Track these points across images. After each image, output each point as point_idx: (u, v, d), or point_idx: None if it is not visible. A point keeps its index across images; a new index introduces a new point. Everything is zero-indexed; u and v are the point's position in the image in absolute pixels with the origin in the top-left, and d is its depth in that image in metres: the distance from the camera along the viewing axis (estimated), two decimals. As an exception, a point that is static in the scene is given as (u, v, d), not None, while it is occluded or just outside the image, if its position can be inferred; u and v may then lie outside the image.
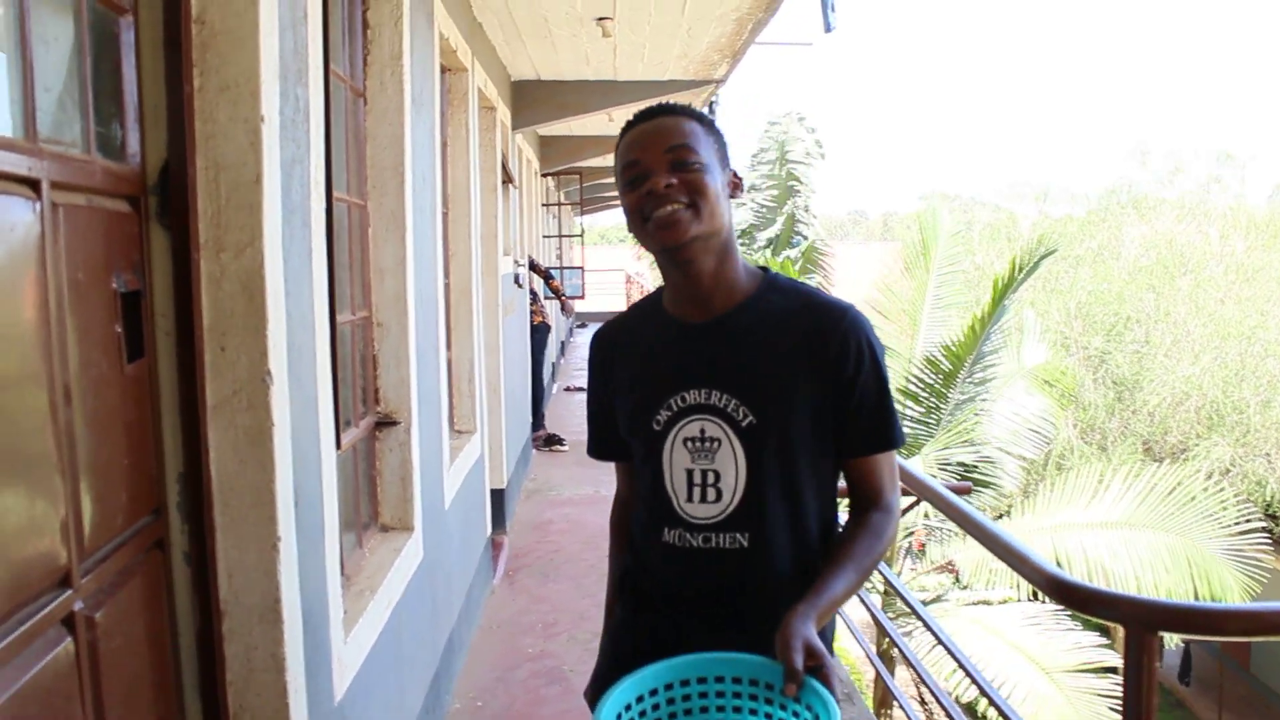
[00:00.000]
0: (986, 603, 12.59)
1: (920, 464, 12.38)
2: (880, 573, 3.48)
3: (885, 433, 1.81)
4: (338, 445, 3.25)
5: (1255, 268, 19.53)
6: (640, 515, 1.93)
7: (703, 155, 1.72)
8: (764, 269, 1.88)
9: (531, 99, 8.84)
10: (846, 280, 21.41)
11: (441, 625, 4.44)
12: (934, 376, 13.24)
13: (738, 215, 27.88)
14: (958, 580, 14.09)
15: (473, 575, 5.46)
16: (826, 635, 1.77)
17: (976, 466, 13.20)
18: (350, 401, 3.66)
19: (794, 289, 1.83)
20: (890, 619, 5.87)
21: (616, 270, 30.04)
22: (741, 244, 25.94)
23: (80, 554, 1.78)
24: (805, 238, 24.92)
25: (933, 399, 13.32)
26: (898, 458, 1.94)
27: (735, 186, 1.81)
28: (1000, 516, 14.57)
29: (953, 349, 12.90)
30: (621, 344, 1.97)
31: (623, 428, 1.93)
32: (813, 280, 19.67)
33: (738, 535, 1.78)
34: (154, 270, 2.24)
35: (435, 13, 4.57)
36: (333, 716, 2.71)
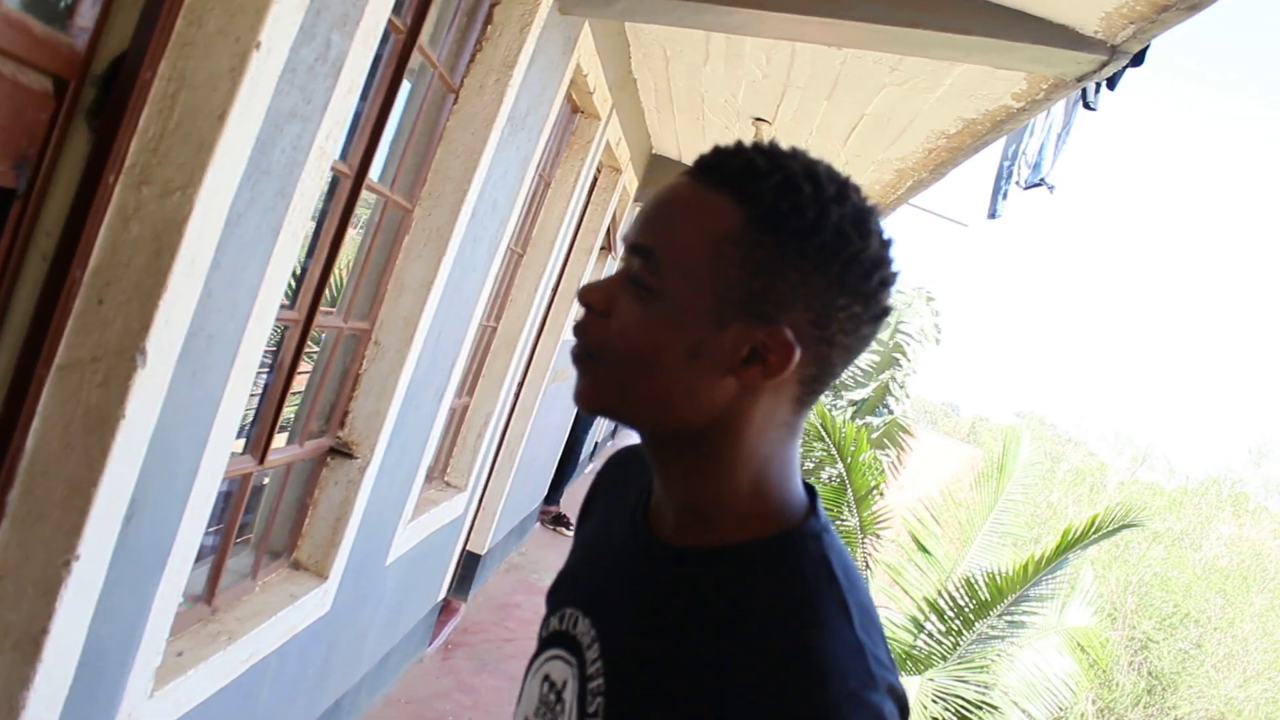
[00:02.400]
0: None
1: (918, 684, 11.55)
2: None
3: None
4: (260, 460, 2.74)
5: (1340, 614, 18.31)
6: None
7: (663, 272, 0.92)
8: (813, 505, 0.99)
9: (665, 177, 8.40)
10: (919, 469, 20.58)
11: (329, 690, 3.84)
12: (968, 600, 12.42)
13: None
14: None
15: (398, 640, 4.86)
16: None
17: (978, 707, 12.28)
18: (305, 416, 3.13)
19: (801, 581, 0.93)
20: None
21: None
22: (827, 399, 25.16)
23: None
24: (891, 411, 24.14)
25: (958, 622, 12.49)
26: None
27: (757, 359, 0.92)
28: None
29: (998, 580, 12.09)
30: (616, 485, 1.20)
31: None
32: (886, 459, 18.82)
33: None
34: (56, 176, 1.74)
35: (579, 42, 4.12)
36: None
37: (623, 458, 1.24)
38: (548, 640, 1.09)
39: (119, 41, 1.75)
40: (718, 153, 0.94)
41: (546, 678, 1.05)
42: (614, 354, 0.94)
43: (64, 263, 1.75)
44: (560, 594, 1.13)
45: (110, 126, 1.74)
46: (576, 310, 0.84)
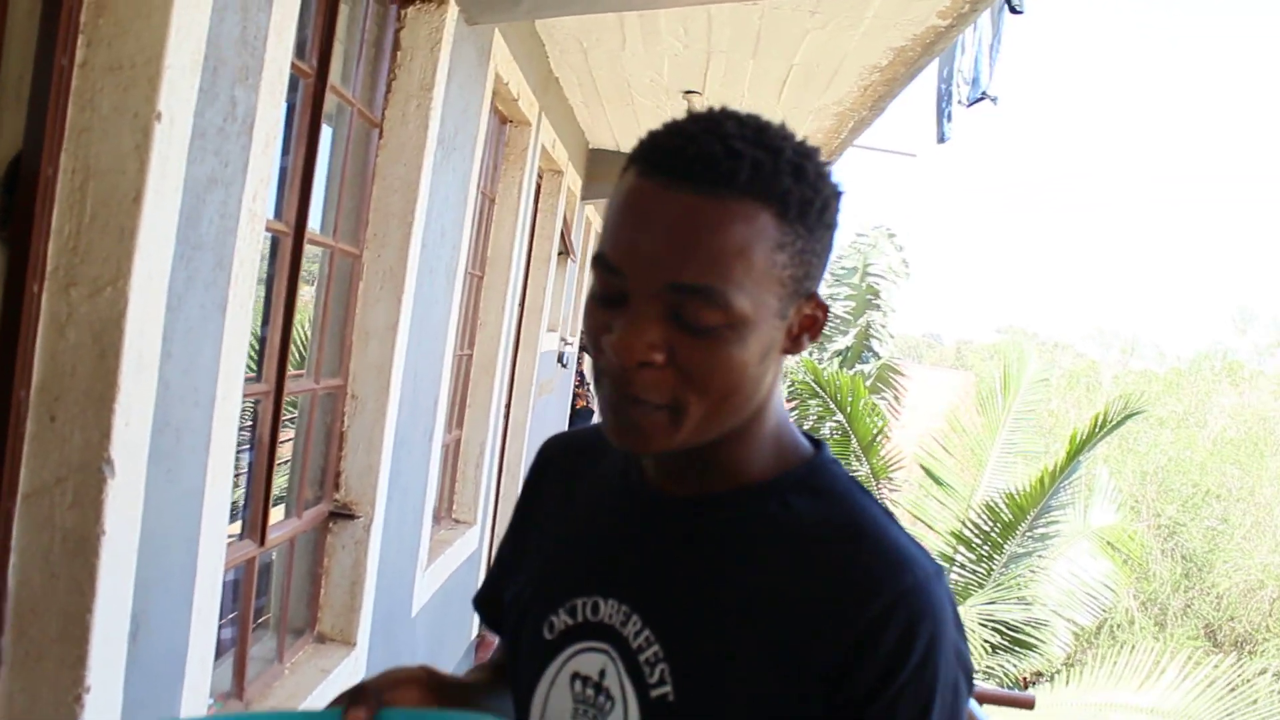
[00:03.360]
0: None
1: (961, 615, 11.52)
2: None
3: None
4: (261, 542, 2.64)
5: (1353, 458, 18.40)
6: None
7: (739, 305, 0.88)
8: (817, 443, 1.05)
9: (608, 170, 8.29)
10: (915, 404, 20.53)
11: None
12: (992, 524, 12.38)
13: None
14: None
15: (441, 689, 4.75)
16: None
17: (1024, 627, 12.26)
18: (296, 486, 3.03)
19: (841, 496, 0.99)
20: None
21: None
22: (813, 352, 25.03)
23: None
24: (877, 355, 24.08)
25: (987, 547, 12.45)
26: None
27: (806, 328, 0.97)
28: (1039, 676, 13.65)
29: (1017, 499, 12.05)
30: (569, 475, 1.17)
31: (505, 614, 1.14)
32: (882, 402, 18.72)
33: None
34: (-21, 298, 1.64)
35: (494, 51, 4.01)
36: None
37: (561, 447, 1.23)
38: (560, 641, 1.03)
39: (11, 142, 1.65)
40: (687, 152, 0.89)
41: (575, 675, 1.01)
42: (700, 398, 0.91)
43: (5, 386, 1.65)
44: (546, 596, 1.07)
45: (22, 233, 1.64)
46: (614, 357, 0.82)
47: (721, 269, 0.87)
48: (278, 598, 3.07)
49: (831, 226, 0.94)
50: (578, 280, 9.35)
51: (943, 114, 5.48)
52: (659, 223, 0.88)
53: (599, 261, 0.92)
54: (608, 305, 0.92)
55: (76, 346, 1.67)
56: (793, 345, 0.96)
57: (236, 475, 2.54)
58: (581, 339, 9.98)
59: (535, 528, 1.18)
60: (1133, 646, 13.79)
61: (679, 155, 0.89)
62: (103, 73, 1.67)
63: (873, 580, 0.92)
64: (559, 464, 1.20)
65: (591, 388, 7.61)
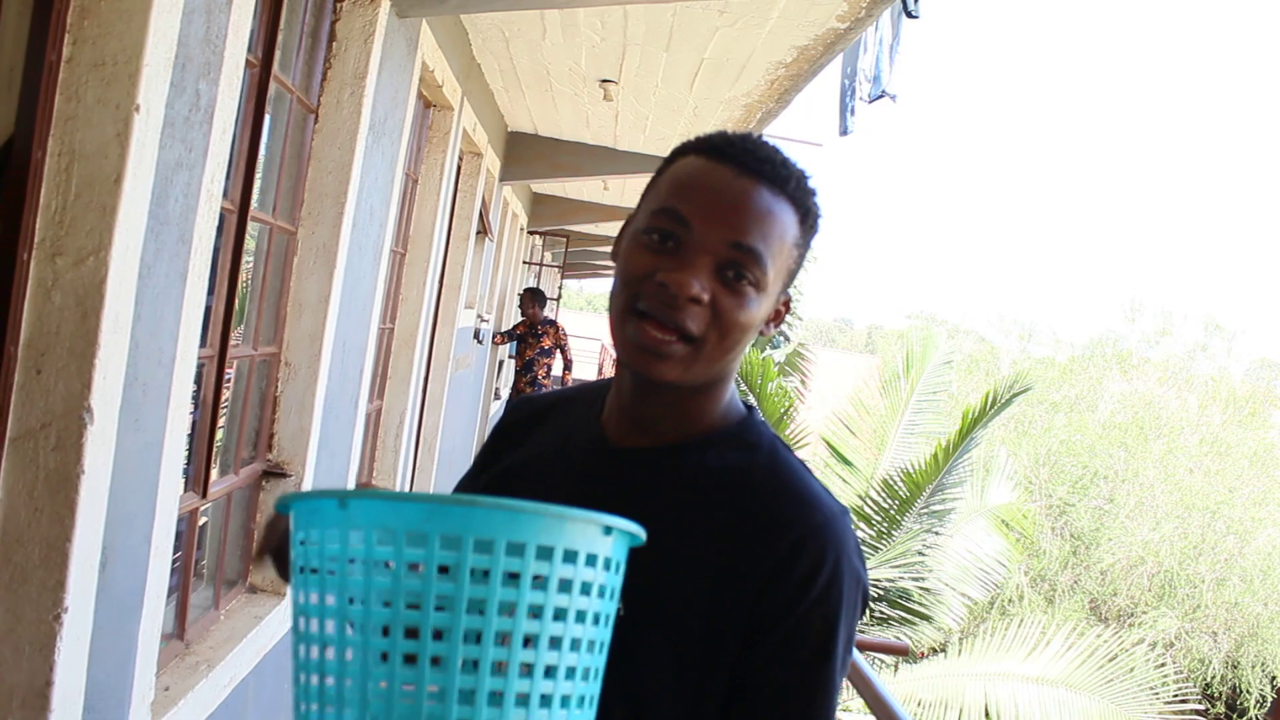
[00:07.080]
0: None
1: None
2: None
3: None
4: (203, 494, 2.86)
5: (1229, 443, 19.27)
6: None
7: (769, 275, 1.15)
8: (750, 408, 1.29)
9: (525, 153, 8.51)
10: (824, 388, 21.07)
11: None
12: (890, 501, 12.87)
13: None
14: None
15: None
16: None
17: (918, 598, 12.78)
18: (234, 445, 3.26)
19: (765, 450, 1.22)
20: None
21: (593, 339, 29.68)
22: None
23: None
24: (788, 339, 24.65)
25: (885, 524, 12.94)
26: None
27: (778, 318, 1.24)
28: (935, 652, 14.21)
29: (913, 475, 12.53)
30: (537, 426, 1.37)
31: None
32: (790, 384, 19.25)
33: None
34: (-28, 265, 1.86)
35: (421, 40, 4.24)
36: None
37: (528, 403, 1.43)
38: None
39: (4, 128, 1.86)
40: (765, 156, 1.16)
41: None
42: (720, 337, 1.14)
43: (-2, 342, 1.87)
44: None
45: (13, 208, 1.86)
46: (662, 292, 1.06)
47: (769, 242, 1.14)
48: (214, 550, 3.29)
49: (807, 252, 1.23)
50: (494, 259, 9.56)
51: (845, 108, 5.81)
52: (733, 197, 1.14)
53: (667, 213, 1.16)
54: (656, 251, 1.14)
55: (61, 308, 1.90)
56: (766, 327, 1.22)
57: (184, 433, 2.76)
58: (560, 337, 10.29)
59: (495, 471, 1.36)
60: (1021, 620, 14.45)
61: (752, 154, 1.16)
62: (87, 69, 1.90)
63: (786, 518, 1.14)
64: (531, 414, 1.39)
65: (547, 376, 7.80)
